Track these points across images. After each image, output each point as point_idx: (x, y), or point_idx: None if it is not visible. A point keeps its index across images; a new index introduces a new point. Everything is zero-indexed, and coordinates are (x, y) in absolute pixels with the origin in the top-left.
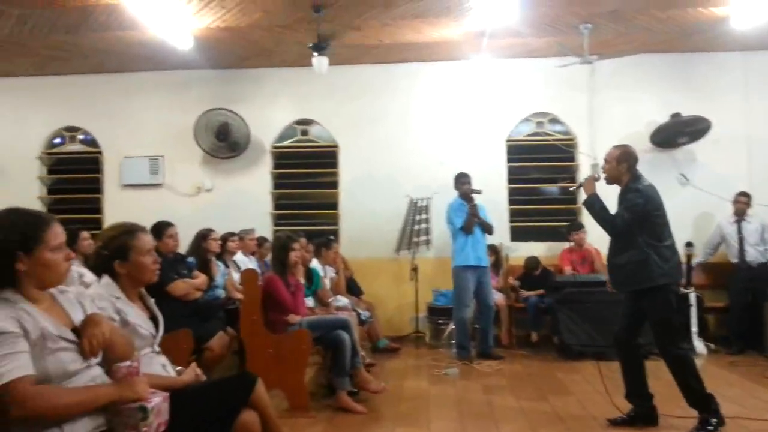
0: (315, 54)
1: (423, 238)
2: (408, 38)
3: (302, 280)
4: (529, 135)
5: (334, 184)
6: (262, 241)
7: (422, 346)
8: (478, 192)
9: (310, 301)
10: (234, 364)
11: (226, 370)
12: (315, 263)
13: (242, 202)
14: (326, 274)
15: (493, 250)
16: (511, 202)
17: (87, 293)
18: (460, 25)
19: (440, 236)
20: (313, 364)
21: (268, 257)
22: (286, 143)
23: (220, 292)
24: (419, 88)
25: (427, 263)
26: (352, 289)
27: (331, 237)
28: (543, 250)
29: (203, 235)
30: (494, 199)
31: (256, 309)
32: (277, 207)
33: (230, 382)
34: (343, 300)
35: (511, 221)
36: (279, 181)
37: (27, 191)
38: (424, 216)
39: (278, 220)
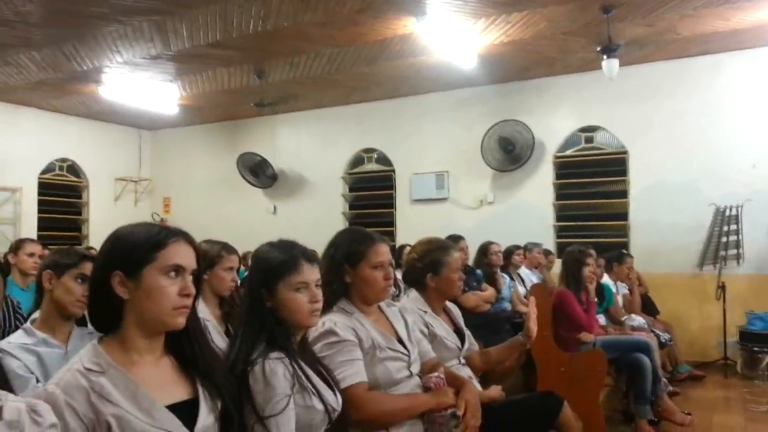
0: (604, 57)
1: (732, 251)
2: (711, 28)
3: (594, 297)
4: None
5: (623, 194)
6: (546, 254)
7: (732, 375)
8: None
9: (601, 319)
10: (521, 379)
11: (514, 383)
12: (606, 279)
13: (523, 214)
14: (618, 290)
15: None
16: None
17: (407, 306)
18: None
19: (756, 250)
20: (605, 386)
21: (552, 271)
22: (569, 152)
23: (507, 305)
24: (723, 82)
25: (738, 280)
26: (648, 307)
27: (624, 251)
28: None
29: (484, 249)
30: None
31: (546, 325)
32: (559, 218)
33: (535, 401)
34: (638, 319)
35: None
36: (561, 192)
37: (334, 207)
38: (733, 226)
39: (561, 232)
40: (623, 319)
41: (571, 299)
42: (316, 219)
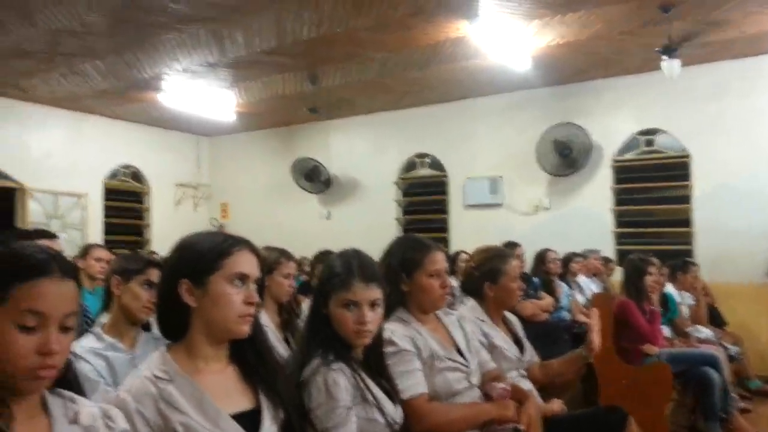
0: (664, 58)
1: None
2: None
3: (658, 307)
4: None
5: (685, 199)
6: (605, 261)
7: None
8: None
9: (665, 331)
10: (581, 392)
11: (574, 396)
12: (670, 288)
13: (581, 220)
14: (683, 300)
15: None
16: None
17: (465, 316)
18: None
19: None
20: (670, 401)
21: (612, 277)
22: (628, 156)
23: (565, 314)
24: None
25: None
26: (714, 318)
27: (688, 258)
28: None
29: (541, 257)
30: None
31: (608, 336)
32: (619, 225)
33: (599, 416)
34: (705, 331)
35: None
36: (621, 197)
37: (387, 212)
38: None
39: (621, 238)
40: (688, 330)
41: (633, 309)
42: (370, 224)
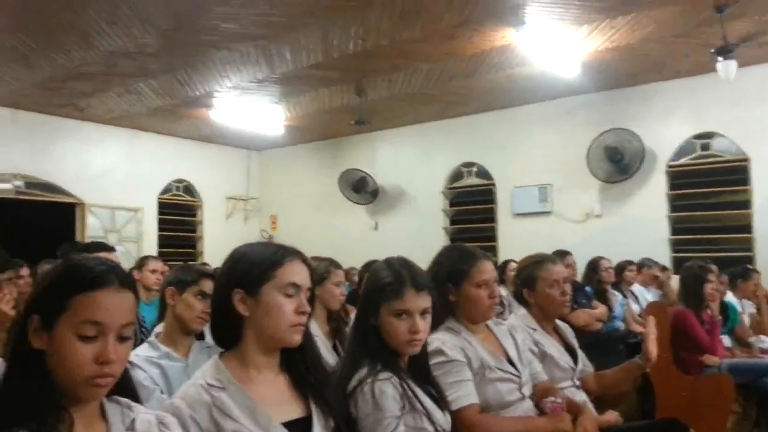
0: (720, 59)
1: None
2: None
3: (718, 317)
4: None
5: (745, 204)
6: (662, 269)
7: None
8: None
9: (726, 341)
10: (636, 403)
11: (629, 408)
12: (730, 296)
13: (635, 227)
14: (744, 309)
15: None
16: None
17: (515, 324)
18: None
19: None
20: (732, 413)
21: (668, 287)
22: (683, 161)
23: (619, 324)
24: None
25: None
26: None
27: (749, 266)
28: None
29: (593, 265)
30: None
31: (665, 346)
32: (675, 232)
33: (657, 429)
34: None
35: None
36: (676, 203)
37: (434, 222)
38: None
39: (677, 246)
40: (751, 340)
41: (691, 319)
42: (417, 234)
